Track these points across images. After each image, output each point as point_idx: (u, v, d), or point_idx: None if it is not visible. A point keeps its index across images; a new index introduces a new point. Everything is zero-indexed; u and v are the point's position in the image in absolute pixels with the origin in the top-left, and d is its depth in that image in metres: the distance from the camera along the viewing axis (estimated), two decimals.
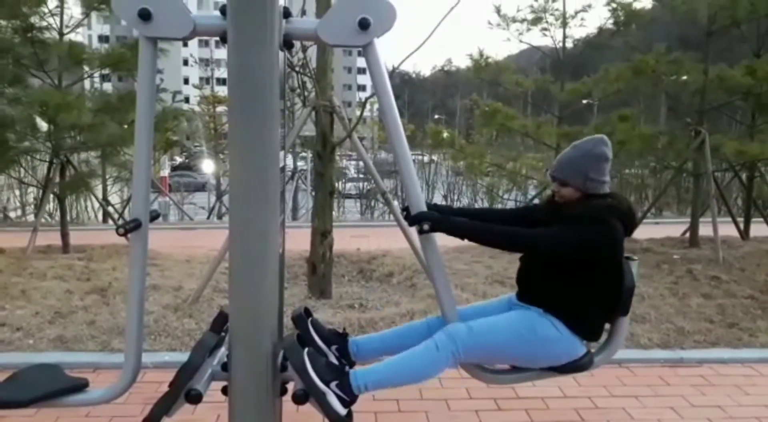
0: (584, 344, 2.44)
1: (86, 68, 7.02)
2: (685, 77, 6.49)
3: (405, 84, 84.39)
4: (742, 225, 7.30)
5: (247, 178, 2.26)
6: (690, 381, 3.69)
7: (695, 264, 5.82)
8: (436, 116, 56.95)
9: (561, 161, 2.45)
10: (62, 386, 2.49)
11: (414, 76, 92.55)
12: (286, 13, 2.33)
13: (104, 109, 6.76)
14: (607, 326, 2.55)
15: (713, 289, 5.21)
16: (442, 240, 2.45)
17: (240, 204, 2.29)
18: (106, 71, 7.31)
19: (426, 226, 2.32)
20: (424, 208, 2.38)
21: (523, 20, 7.95)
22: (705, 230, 6.84)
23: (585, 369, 2.50)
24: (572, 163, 2.40)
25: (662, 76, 6.54)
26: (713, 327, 4.45)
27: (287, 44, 2.36)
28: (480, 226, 2.39)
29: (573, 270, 2.33)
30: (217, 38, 2.29)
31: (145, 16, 2.24)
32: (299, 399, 2.33)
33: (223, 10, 2.23)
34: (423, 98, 75.12)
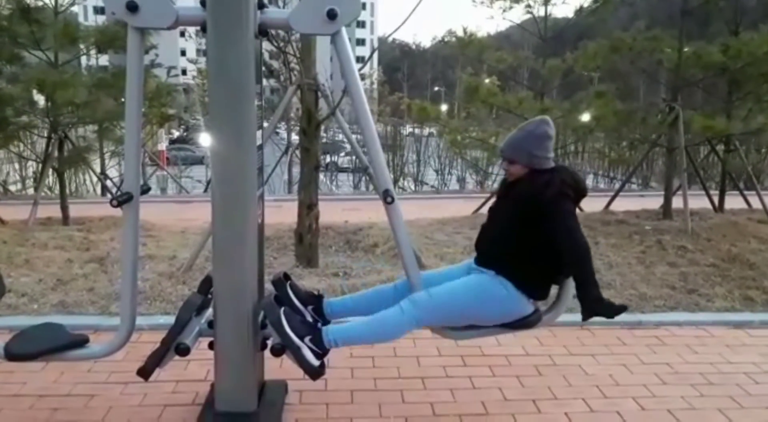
0: (532, 303, 2.73)
1: (81, 46, 7.18)
2: (659, 56, 6.67)
3: (405, 56, 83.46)
4: (717, 198, 7.57)
5: (226, 156, 2.53)
6: (645, 341, 3.98)
7: (665, 234, 6.08)
8: (436, 88, 56.59)
9: (508, 141, 2.71)
10: (65, 342, 2.76)
11: (414, 47, 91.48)
12: (261, 5, 2.55)
13: (99, 85, 6.93)
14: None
15: (679, 258, 5.48)
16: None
17: (220, 179, 2.56)
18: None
19: (389, 199, 2.60)
20: (391, 188, 2.65)
21: None
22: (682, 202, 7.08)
23: (533, 326, 2.79)
24: (517, 143, 2.67)
25: (640, 53, 6.76)
26: (674, 293, 4.74)
27: (262, 33, 2.59)
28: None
29: (522, 236, 2.59)
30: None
31: (132, 8, 2.47)
32: (276, 351, 2.62)
33: (203, 2, 2.46)
34: (423, 70, 74.47)
